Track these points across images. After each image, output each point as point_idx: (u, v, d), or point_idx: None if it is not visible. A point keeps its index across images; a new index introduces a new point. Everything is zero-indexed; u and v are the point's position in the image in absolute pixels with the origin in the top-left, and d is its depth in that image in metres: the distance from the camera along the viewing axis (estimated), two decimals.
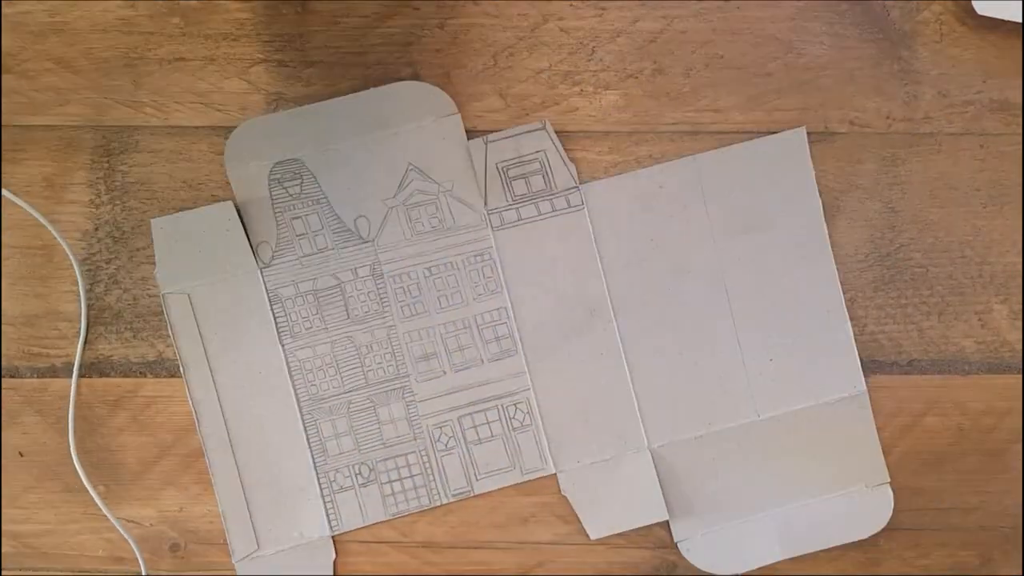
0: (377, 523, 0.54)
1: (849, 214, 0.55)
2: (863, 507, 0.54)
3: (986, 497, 0.56)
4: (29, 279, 0.54)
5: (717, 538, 0.54)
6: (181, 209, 0.54)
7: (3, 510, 0.53)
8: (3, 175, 0.54)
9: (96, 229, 0.54)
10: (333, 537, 0.54)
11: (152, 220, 0.53)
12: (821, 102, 0.55)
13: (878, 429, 0.55)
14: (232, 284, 0.53)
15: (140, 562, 0.53)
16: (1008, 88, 0.55)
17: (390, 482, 0.54)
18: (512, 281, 0.54)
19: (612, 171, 0.55)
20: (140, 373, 0.54)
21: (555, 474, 0.54)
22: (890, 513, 0.54)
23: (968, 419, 0.55)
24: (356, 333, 0.54)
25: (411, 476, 0.54)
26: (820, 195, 0.55)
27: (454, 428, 0.54)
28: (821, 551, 0.54)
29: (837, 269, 0.55)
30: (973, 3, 0.54)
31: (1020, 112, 0.55)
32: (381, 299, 0.54)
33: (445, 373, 0.54)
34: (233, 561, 0.53)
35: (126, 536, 0.53)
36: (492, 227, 0.54)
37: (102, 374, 0.54)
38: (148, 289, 0.54)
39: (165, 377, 0.54)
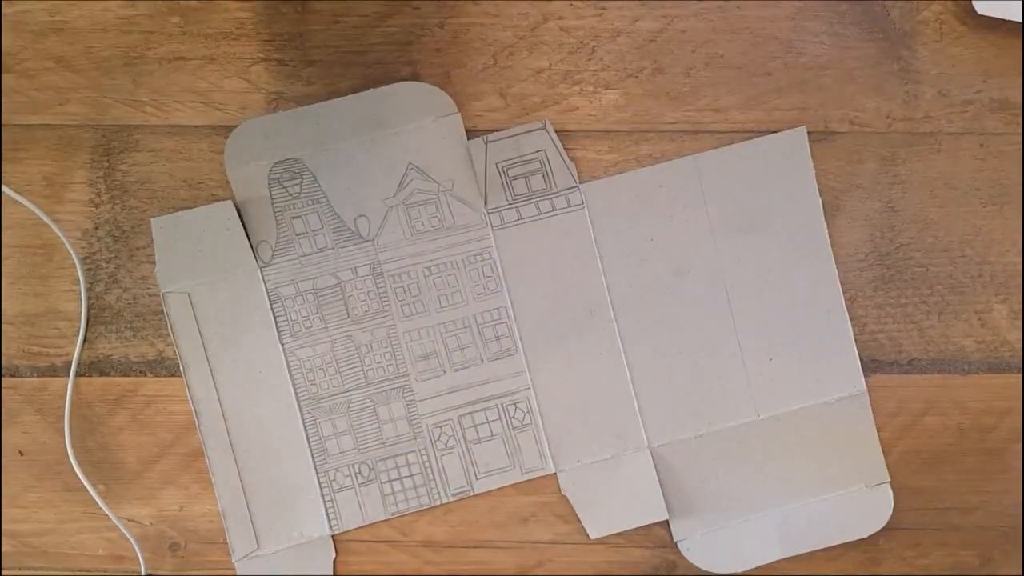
0: (377, 522, 0.54)
1: (849, 214, 0.55)
2: (863, 507, 0.54)
3: (986, 497, 0.56)
4: (29, 278, 0.54)
5: (717, 537, 0.54)
6: (181, 208, 0.54)
7: (3, 510, 0.53)
8: (3, 174, 0.54)
9: (96, 228, 0.54)
10: (333, 536, 0.54)
11: (152, 219, 0.53)
12: (821, 102, 0.55)
13: (878, 429, 0.55)
14: (232, 283, 0.53)
15: (140, 561, 0.53)
16: (1008, 88, 0.55)
17: (390, 481, 0.54)
18: (512, 280, 0.54)
19: (612, 170, 0.55)
20: (140, 372, 0.54)
21: (555, 473, 0.54)
22: (890, 513, 0.54)
23: (968, 419, 0.56)
24: (356, 332, 0.54)
25: (411, 475, 0.54)
26: (820, 195, 0.55)
27: (454, 427, 0.54)
28: (821, 550, 0.54)
29: (837, 269, 0.55)
30: (973, 3, 0.54)
31: (1020, 112, 0.55)
32: (381, 298, 0.54)
33: (445, 372, 0.54)
34: (233, 560, 0.53)
35: (127, 535, 0.53)
36: (492, 226, 0.54)
37: (102, 373, 0.54)
38: (148, 288, 0.54)
39: (165, 376, 0.54)
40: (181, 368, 0.53)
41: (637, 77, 0.55)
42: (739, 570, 0.54)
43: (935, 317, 0.56)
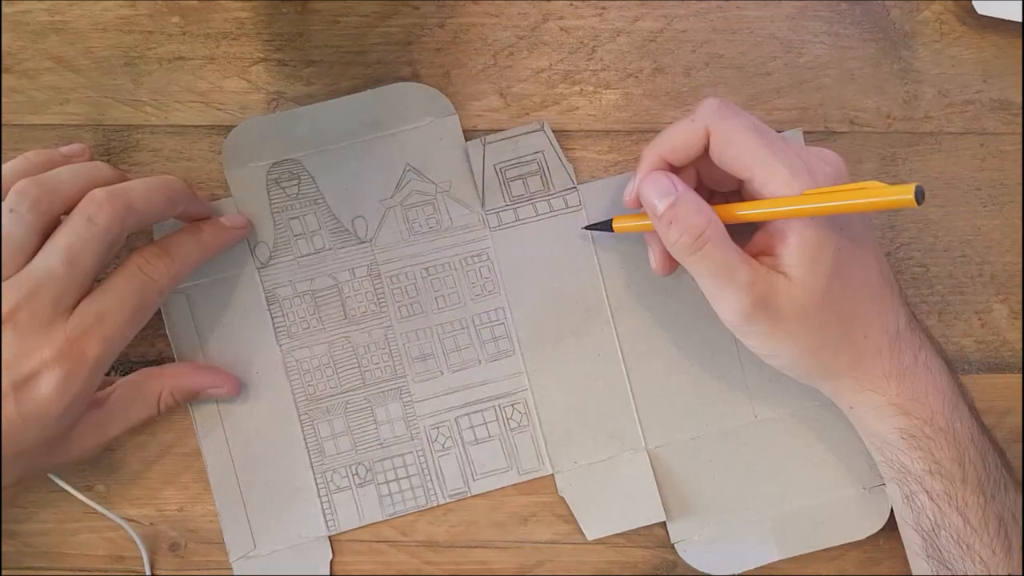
0: (374, 523, 0.54)
1: None
2: (860, 508, 0.54)
3: None
4: None
5: (714, 539, 0.54)
6: None
7: (3, 510, 0.54)
8: None
9: None
10: (331, 537, 0.54)
11: None
12: (821, 102, 0.55)
13: None
14: (230, 284, 0.53)
15: (145, 561, 0.53)
16: (1008, 88, 0.55)
17: (387, 482, 0.54)
18: (509, 282, 0.54)
19: (612, 170, 0.55)
20: None
21: (552, 474, 0.54)
22: (887, 515, 0.54)
23: None
24: (353, 333, 0.54)
25: (408, 476, 0.54)
26: None
27: (451, 428, 0.54)
28: (820, 551, 0.54)
29: None
30: (973, 3, 0.54)
31: (1020, 112, 0.55)
32: (378, 299, 0.54)
33: (442, 373, 0.54)
34: (230, 561, 0.53)
35: (132, 534, 0.53)
36: (490, 227, 0.54)
37: None
38: None
39: None
40: None
41: (637, 77, 0.55)
42: (736, 571, 0.54)
43: (935, 317, 0.55)
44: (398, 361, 0.54)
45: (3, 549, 0.54)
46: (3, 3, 0.53)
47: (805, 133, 0.55)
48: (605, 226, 0.52)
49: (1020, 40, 0.55)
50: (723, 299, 0.46)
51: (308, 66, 0.54)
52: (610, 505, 0.54)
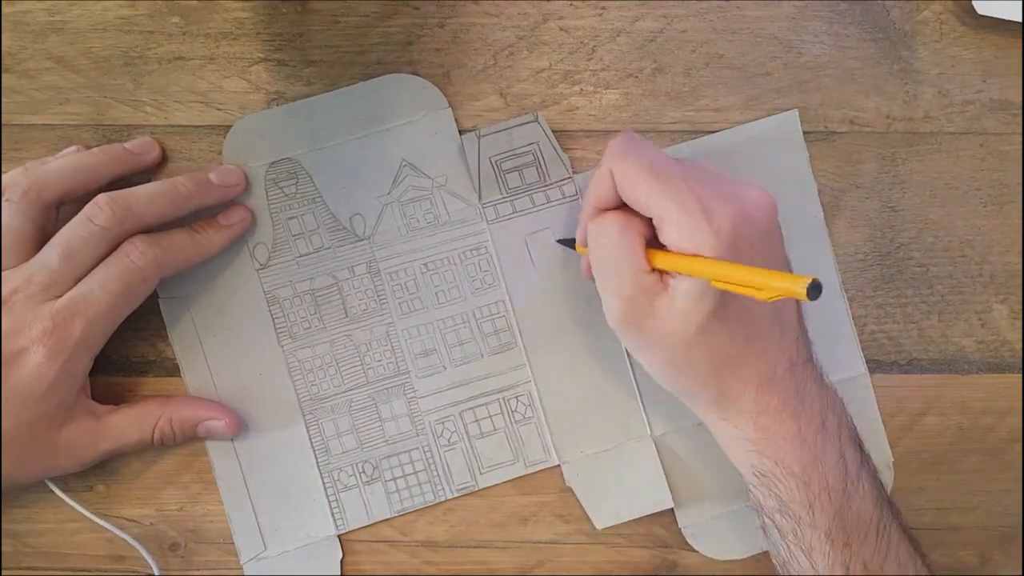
0: (378, 522, 0.54)
1: (849, 214, 0.55)
2: None
3: (986, 497, 0.56)
4: None
5: (721, 524, 0.54)
6: None
7: (3, 510, 0.53)
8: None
9: None
10: (339, 536, 0.54)
11: None
12: (821, 102, 0.55)
13: None
14: (230, 286, 0.53)
15: (150, 562, 0.53)
16: (1008, 88, 0.55)
17: (394, 479, 0.54)
18: (509, 274, 0.54)
19: None
20: (140, 372, 0.54)
21: (559, 466, 0.54)
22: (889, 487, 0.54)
23: (968, 419, 0.55)
24: (355, 331, 0.54)
25: (415, 472, 0.54)
26: (820, 195, 0.55)
27: (456, 423, 0.54)
28: None
29: (837, 268, 0.55)
30: (973, 3, 0.54)
31: (1020, 112, 0.55)
32: (379, 296, 0.54)
33: (445, 368, 0.54)
34: (240, 562, 0.53)
35: (126, 538, 0.53)
36: (487, 220, 0.54)
37: (102, 372, 0.53)
38: None
39: (165, 376, 0.54)
40: (181, 372, 0.53)
41: (637, 77, 0.55)
42: (743, 556, 0.54)
43: (935, 317, 0.56)
44: (400, 357, 0.54)
45: (3, 549, 0.53)
46: (3, 3, 0.53)
47: (805, 133, 0.55)
48: (572, 243, 0.53)
49: (1020, 40, 0.55)
50: (604, 300, 0.47)
51: (308, 66, 0.54)
52: (618, 494, 0.54)
